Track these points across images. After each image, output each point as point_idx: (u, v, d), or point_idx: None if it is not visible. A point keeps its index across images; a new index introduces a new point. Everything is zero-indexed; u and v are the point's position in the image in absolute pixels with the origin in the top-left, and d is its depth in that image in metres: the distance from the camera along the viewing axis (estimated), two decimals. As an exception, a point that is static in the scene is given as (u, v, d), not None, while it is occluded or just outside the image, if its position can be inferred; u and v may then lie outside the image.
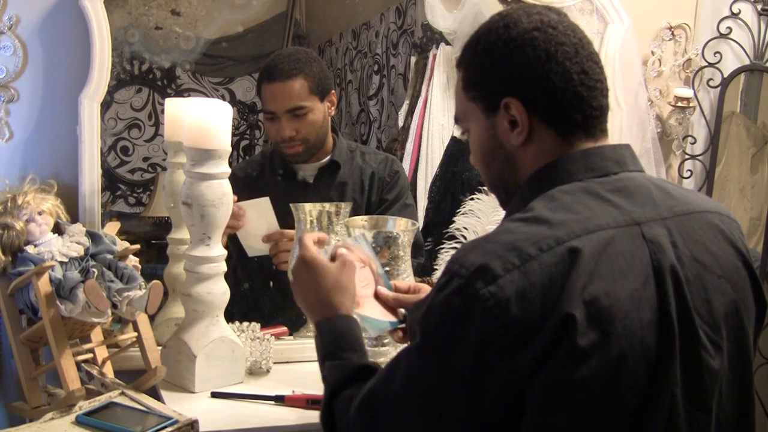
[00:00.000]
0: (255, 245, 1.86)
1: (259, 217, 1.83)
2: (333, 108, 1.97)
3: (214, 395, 1.57)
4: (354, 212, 1.81)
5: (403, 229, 1.56)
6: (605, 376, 0.92)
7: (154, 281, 1.45)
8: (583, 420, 0.93)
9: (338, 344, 1.19)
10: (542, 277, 0.91)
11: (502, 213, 1.94)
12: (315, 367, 1.76)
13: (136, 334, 1.54)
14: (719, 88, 2.26)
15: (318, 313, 1.25)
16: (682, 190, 1.10)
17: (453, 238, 2.18)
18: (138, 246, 1.60)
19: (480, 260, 0.92)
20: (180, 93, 2.45)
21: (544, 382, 0.91)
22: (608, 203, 0.99)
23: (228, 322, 1.65)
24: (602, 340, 0.91)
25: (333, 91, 1.96)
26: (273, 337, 1.75)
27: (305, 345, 1.80)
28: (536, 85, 1.04)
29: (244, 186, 1.88)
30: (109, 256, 1.53)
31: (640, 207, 1.01)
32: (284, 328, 1.87)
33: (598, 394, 0.92)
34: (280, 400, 1.55)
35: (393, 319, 1.37)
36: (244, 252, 1.89)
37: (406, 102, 2.46)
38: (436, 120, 2.34)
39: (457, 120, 1.17)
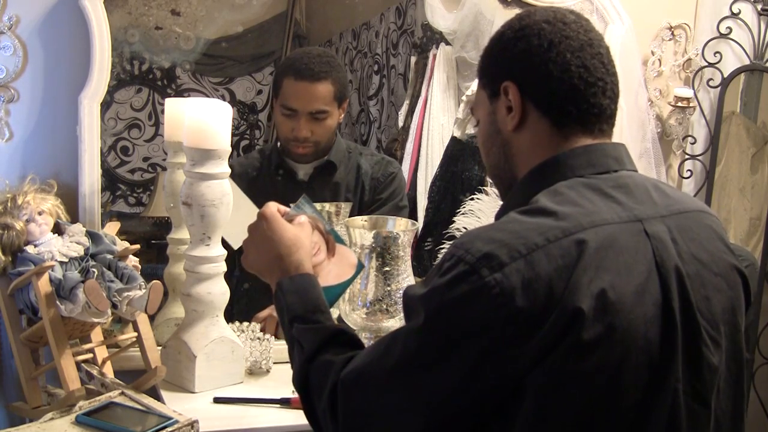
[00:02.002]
0: (240, 231, 1.72)
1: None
2: (342, 115, 1.99)
3: (217, 401, 1.55)
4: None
5: (403, 229, 1.56)
6: (608, 369, 0.92)
7: (154, 281, 1.45)
8: (584, 412, 0.93)
9: (306, 306, 1.16)
10: (548, 268, 0.91)
11: (502, 213, 1.92)
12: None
13: (136, 334, 1.54)
14: (719, 88, 2.26)
15: (278, 271, 1.22)
16: (674, 190, 1.12)
17: (453, 238, 2.18)
18: (138, 246, 1.60)
19: (486, 247, 0.92)
20: (180, 93, 2.45)
21: (546, 372, 0.91)
22: (611, 199, 1.00)
23: (228, 322, 1.65)
24: (607, 334, 0.92)
25: (347, 99, 1.99)
26: (273, 337, 1.75)
27: (305, 345, 1.80)
28: (533, 71, 1.06)
29: (240, 182, 1.88)
30: (109, 256, 1.53)
31: (641, 204, 1.02)
32: None
33: (599, 388, 0.93)
34: (285, 403, 1.54)
35: (348, 275, 1.35)
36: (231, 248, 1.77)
37: (406, 102, 2.45)
38: (436, 120, 2.33)
39: (471, 110, 1.20)
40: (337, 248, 1.37)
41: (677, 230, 1.02)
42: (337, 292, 1.33)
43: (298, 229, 1.27)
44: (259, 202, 1.83)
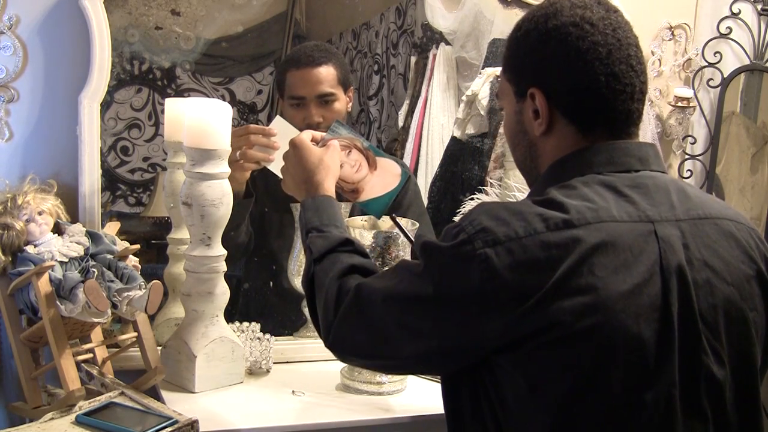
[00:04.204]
0: None
1: (285, 139, 1.62)
2: (350, 104, 1.99)
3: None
4: (361, 213, 1.82)
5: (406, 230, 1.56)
6: (592, 363, 0.93)
7: (154, 281, 1.44)
8: (565, 405, 0.94)
9: (321, 219, 1.29)
10: (541, 255, 0.93)
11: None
12: (315, 367, 1.76)
13: (136, 334, 1.54)
14: (719, 88, 2.26)
15: (303, 191, 1.37)
16: (701, 194, 1.10)
17: (453, 238, 2.17)
18: (138, 246, 1.59)
19: (487, 222, 0.96)
20: (180, 93, 2.45)
21: (526, 357, 0.94)
22: (624, 198, 1.00)
23: (228, 322, 1.65)
24: (592, 328, 0.92)
25: (352, 87, 2.00)
26: (273, 337, 1.75)
27: (305, 345, 1.80)
28: (560, 81, 1.05)
29: (258, 182, 1.88)
30: (109, 256, 1.53)
31: (657, 206, 1.01)
32: None
33: (583, 381, 0.93)
34: None
35: (394, 184, 1.45)
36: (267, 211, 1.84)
37: (406, 102, 2.45)
38: (436, 120, 2.33)
39: (497, 95, 1.22)
40: (379, 161, 1.48)
41: (692, 236, 1.01)
42: (385, 201, 1.45)
43: (323, 151, 1.40)
44: (276, 200, 1.86)
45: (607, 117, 1.05)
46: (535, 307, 0.91)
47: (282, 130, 1.65)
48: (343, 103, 1.94)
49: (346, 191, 1.51)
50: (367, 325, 1.08)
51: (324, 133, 1.45)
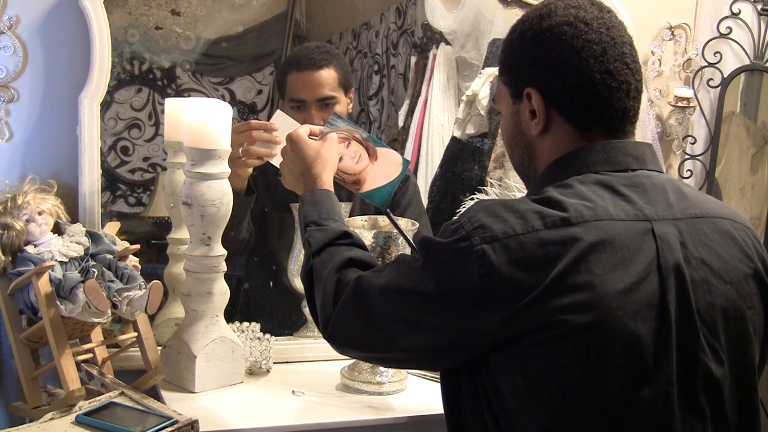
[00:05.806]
0: None
1: (287, 134, 1.61)
2: (350, 105, 1.99)
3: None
4: (361, 213, 1.82)
5: (403, 228, 1.56)
6: (591, 361, 0.93)
7: (154, 281, 1.45)
8: (561, 400, 0.94)
9: (320, 213, 1.30)
10: (538, 252, 0.93)
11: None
12: (315, 367, 1.76)
13: (136, 334, 1.54)
14: (719, 88, 2.26)
15: (302, 186, 1.37)
16: (698, 194, 1.11)
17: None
18: (138, 246, 1.60)
19: (485, 219, 0.97)
20: (180, 93, 2.45)
21: (527, 356, 0.94)
22: (622, 197, 1.01)
23: (228, 322, 1.65)
24: (591, 326, 0.93)
25: (353, 88, 2.00)
26: (273, 337, 1.75)
27: (305, 345, 1.80)
28: (556, 80, 1.05)
29: (258, 183, 1.88)
30: (109, 256, 1.53)
31: (654, 205, 1.01)
32: None
33: (582, 378, 0.94)
34: None
35: (396, 174, 1.44)
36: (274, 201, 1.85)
37: (406, 102, 2.45)
38: (436, 120, 2.33)
39: (493, 99, 1.22)
40: (379, 151, 1.48)
41: (689, 234, 1.02)
42: (388, 190, 1.44)
43: (320, 144, 1.40)
44: (276, 200, 1.86)
45: (603, 115, 1.05)
46: (532, 304, 0.92)
47: (283, 125, 1.65)
48: (343, 105, 1.94)
49: (348, 183, 1.52)
50: (366, 318, 1.09)
51: (322, 127, 1.45)
